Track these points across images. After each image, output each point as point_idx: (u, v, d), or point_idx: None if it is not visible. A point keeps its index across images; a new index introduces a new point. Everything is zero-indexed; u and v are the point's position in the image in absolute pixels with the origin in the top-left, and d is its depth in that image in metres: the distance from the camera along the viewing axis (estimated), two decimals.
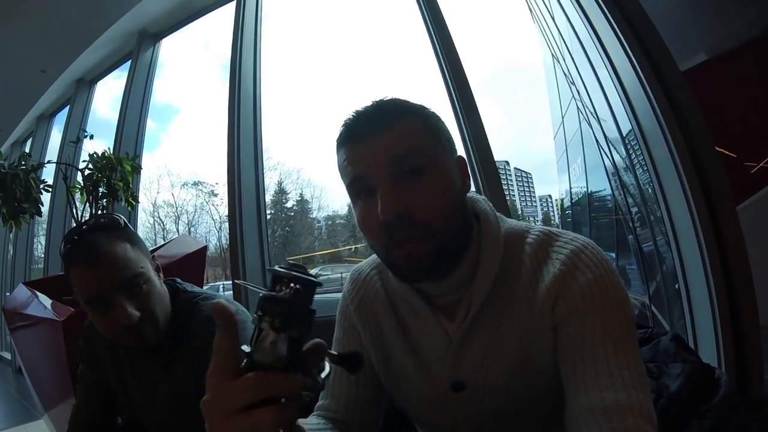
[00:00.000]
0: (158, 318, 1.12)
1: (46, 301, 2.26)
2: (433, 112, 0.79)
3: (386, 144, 0.72)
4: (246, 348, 0.50)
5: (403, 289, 0.84)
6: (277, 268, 0.52)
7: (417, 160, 0.72)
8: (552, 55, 6.75)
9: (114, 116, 5.79)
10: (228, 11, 4.10)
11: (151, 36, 4.76)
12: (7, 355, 6.73)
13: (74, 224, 2.66)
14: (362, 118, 0.76)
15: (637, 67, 1.97)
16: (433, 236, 0.71)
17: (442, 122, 0.80)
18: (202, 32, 4.72)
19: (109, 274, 1.04)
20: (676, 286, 2.06)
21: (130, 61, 4.75)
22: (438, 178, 0.73)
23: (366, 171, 0.72)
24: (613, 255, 5.24)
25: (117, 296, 1.04)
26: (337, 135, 0.78)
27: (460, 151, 0.88)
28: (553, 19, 5.06)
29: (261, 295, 0.50)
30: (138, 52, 4.64)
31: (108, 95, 5.74)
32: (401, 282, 0.83)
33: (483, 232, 0.80)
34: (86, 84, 5.59)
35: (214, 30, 4.61)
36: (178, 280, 1.26)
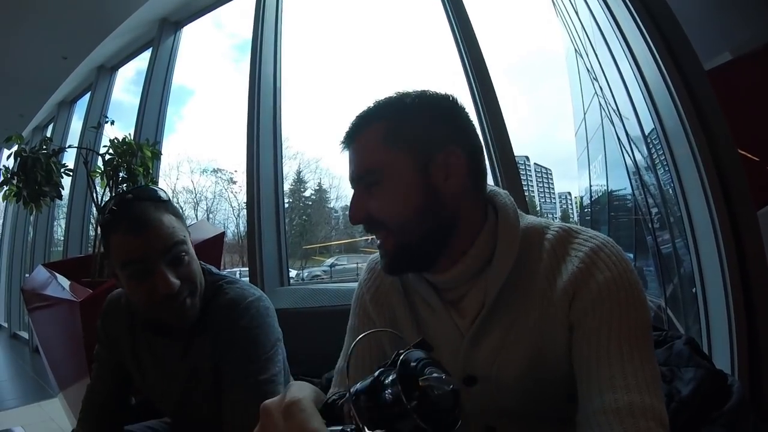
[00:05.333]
0: (196, 289, 1.14)
1: (65, 282, 2.30)
2: (407, 109, 0.81)
3: (354, 156, 0.83)
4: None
5: (416, 280, 0.86)
6: (407, 358, 0.44)
7: (370, 177, 0.80)
8: (575, 50, 6.66)
9: (125, 98, 5.85)
10: None
11: (172, 24, 4.78)
12: (25, 335, 6.88)
13: (94, 208, 2.70)
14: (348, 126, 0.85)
15: (661, 65, 1.93)
16: (392, 235, 0.79)
17: (421, 116, 0.81)
18: (215, 13, 4.70)
19: (154, 240, 1.06)
20: (693, 290, 2.03)
21: (150, 48, 4.78)
22: (390, 187, 0.79)
23: (349, 176, 0.84)
24: (631, 255, 5.17)
25: (158, 264, 1.05)
26: None
27: None
28: (576, 13, 4.98)
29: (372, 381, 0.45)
30: (159, 40, 4.66)
31: (119, 77, 5.77)
32: (416, 273, 0.86)
33: (500, 226, 0.80)
34: (107, 71, 5.64)
35: (227, 11, 4.59)
36: (202, 262, 1.26)
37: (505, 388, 0.79)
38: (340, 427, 0.44)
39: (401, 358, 0.43)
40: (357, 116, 0.83)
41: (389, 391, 0.42)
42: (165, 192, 1.17)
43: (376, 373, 0.45)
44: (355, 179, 0.82)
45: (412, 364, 0.43)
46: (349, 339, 0.95)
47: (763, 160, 2.23)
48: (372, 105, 0.83)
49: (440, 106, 0.82)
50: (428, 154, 0.79)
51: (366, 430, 0.41)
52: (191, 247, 1.16)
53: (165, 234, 1.07)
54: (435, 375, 0.43)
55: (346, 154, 0.85)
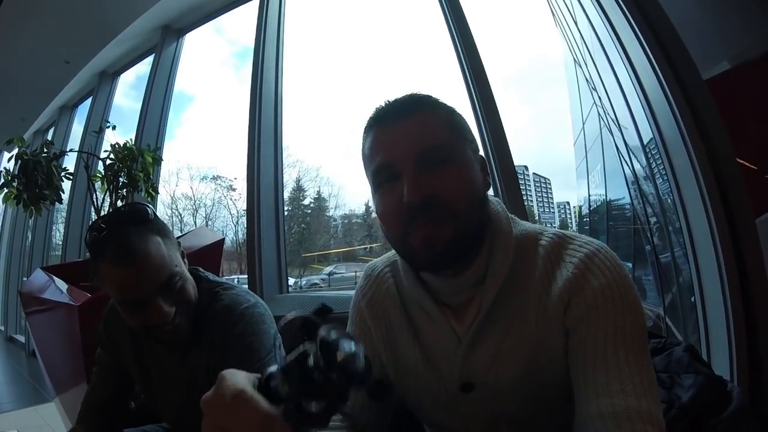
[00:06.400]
0: (190, 309, 1.13)
1: (63, 285, 2.28)
2: (458, 112, 0.82)
3: (413, 131, 0.75)
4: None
5: (413, 287, 0.85)
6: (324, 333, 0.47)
7: (443, 151, 0.74)
8: (574, 60, 6.69)
9: (125, 102, 5.88)
10: (251, 7, 4.12)
11: (175, 31, 4.81)
12: (21, 338, 6.87)
13: (94, 213, 2.69)
14: (391, 104, 0.79)
15: (660, 75, 1.94)
16: (454, 220, 0.73)
17: (467, 123, 0.82)
18: (216, 20, 4.72)
19: (146, 278, 1.03)
20: (692, 299, 2.03)
21: (153, 55, 4.80)
22: (462, 168, 0.76)
23: (392, 158, 0.75)
24: (630, 265, 5.17)
25: (153, 297, 1.04)
26: (366, 122, 0.82)
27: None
28: (575, 23, 5.01)
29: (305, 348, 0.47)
30: (161, 47, 4.69)
31: (119, 82, 5.80)
32: (413, 279, 0.85)
33: (494, 233, 0.80)
34: (109, 76, 5.68)
35: (228, 18, 4.61)
36: (200, 269, 1.26)
37: (502, 394, 0.79)
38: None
39: (320, 333, 0.46)
40: (405, 96, 0.80)
41: (310, 358, 0.45)
42: (149, 207, 1.13)
43: (302, 348, 0.48)
44: (416, 157, 0.73)
45: (330, 334, 0.46)
46: None
47: (761, 169, 2.24)
48: (415, 94, 0.80)
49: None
50: (476, 151, 0.81)
51: (295, 399, 0.45)
52: (183, 266, 1.14)
53: (156, 267, 1.04)
54: (347, 344, 0.46)
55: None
